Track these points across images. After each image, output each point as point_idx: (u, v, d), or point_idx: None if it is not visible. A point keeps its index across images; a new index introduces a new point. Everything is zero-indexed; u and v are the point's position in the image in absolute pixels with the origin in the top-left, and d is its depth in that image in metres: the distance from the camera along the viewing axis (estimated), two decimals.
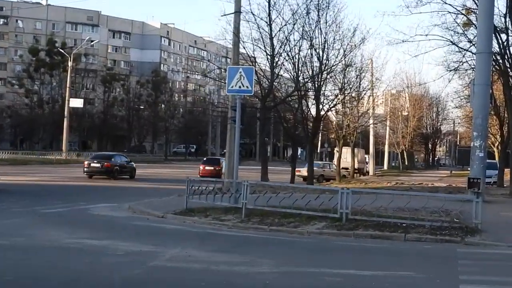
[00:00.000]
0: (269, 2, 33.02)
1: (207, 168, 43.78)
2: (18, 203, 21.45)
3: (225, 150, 35.57)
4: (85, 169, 39.54)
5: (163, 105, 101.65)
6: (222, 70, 38.16)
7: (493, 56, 28.00)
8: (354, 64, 39.49)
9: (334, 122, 52.20)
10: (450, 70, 33.53)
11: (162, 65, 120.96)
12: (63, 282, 9.49)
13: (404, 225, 15.93)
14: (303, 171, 48.49)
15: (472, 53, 29.79)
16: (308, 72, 35.10)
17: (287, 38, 33.34)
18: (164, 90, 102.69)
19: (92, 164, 39.67)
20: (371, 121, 55.55)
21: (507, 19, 29.67)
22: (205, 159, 49.15)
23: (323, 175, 48.25)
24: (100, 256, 11.65)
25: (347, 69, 38.91)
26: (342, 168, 50.49)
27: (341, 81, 39.58)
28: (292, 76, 35.47)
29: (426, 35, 32.59)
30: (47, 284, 9.38)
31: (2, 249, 12.28)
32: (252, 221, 17.20)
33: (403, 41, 29.82)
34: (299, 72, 34.47)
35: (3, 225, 15.90)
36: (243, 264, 11.21)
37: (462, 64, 33.40)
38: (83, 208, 20.83)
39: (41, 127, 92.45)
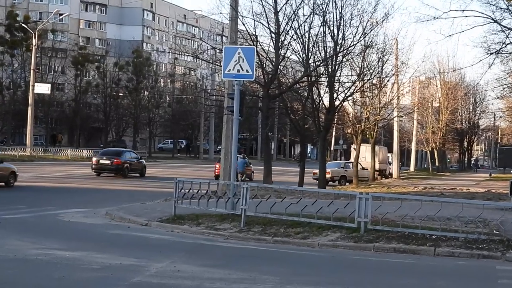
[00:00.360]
0: None
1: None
2: None
3: (220, 147, 35.50)
4: (93, 166, 43.19)
5: (146, 92, 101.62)
6: (217, 50, 38.22)
7: None
8: (375, 45, 39.63)
9: (351, 114, 52.32)
10: (490, 53, 33.46)
11: (144, 44, 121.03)
12: None
13: (434, 237, 16.04)
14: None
15: None
16: (320, 54, 35.18)
17: (295, 12, 33.42)
18: (148, 74, 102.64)
19: (101, 161, 43.10)
20: (395, 113, 55.61)
21: None
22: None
23: (345, 176, 48.54)
24: (72, 270, 11.77)
25: (367, 50, 39.00)
26: (362, 168, 50.76)
27: (360, 65, 39.68)
28: (301, 59, 35.54)
29: (463, 10, 32.47)
30: None
31: None
32: (253, 231, 17.34)
33: (434, 17, 29.77)
34: (310, 54, 34.53)
35: None
36: (242, 281, 11.33)
37: (505, 46, 33.37)
38: (51, 214, 20.97)
39: (0, 117, 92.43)
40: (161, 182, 37.98)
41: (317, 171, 44.39)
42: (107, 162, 42.91)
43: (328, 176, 49.47)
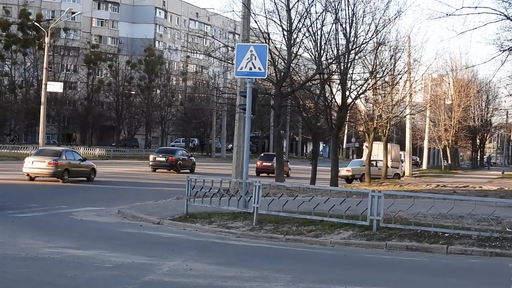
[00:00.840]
0: None
1: (264, 164, 51.76)
2: None
3: (231, 145, 35.37)
4: (151, 162, 49.17)
5: (158, 91, 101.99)
6: (229, 48, 38.23)
7: None
8: (387, 43, 39.48)
9: (363, 112, 52.19)
10: (503, 50, 33.32)
11: (157, 42, 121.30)
12: None
13: (446, 235, 16.00)
14: (345, 170, 49.30)
15: None
16: (332, 51, 35.10)
17: (308, 10, 33.33)
18: (160, 73, 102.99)
19: (158, 158, 49.09)
20: (407, 111, 55.48)
21: None
22: (262, 154, 58.67)
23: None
24: (84, 268, 11.79)
25: (379, 48, 38.88)
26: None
27: (372, 63, 39.58)
28: (313, 57, 35.45)
29: (475, 7, 32.63)
30: None
31: None
32: (265, 229, 17.34)
33: (447, 14, 29.67)
34: (322, 51, 34.45)
35: None
36: (254, 279, 11.33)
37: None
38: (64, 213, 21.03)
39: (12, 116, 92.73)
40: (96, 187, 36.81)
41: (340, 169, 45.77)
42: (163, 159, 48.96)
43: (349, 174, 49.76)
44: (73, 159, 35.72)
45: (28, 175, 34.17)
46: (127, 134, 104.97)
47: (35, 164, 34.02)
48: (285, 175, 43.34)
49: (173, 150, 53.49)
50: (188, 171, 49.22)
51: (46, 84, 68.80)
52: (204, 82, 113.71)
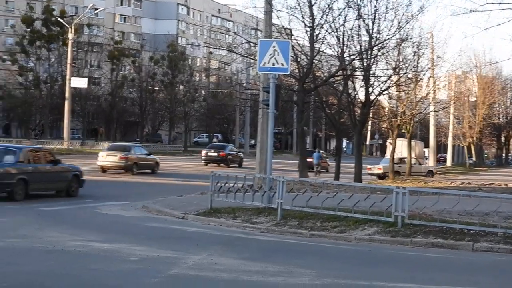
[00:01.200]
0: None
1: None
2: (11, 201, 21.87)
3: (254, 141, 35.30)
4: (203, 157, 53.97)
5: (181, 86, 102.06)
6: (252, 44, 38.23)
7: None
8: (410, 39, 39.25)
9: (387, 109, 51.97)
10: None
11: (179, 38, 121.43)
12: None
13: (472, 232, 15.91)
14: (376, 168, 49.51)
15: None
16: (355, 48, 35.03)
17: (330, 6, 33.26)
18: (183, 69, 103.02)
19: (209, 153, 54.10)
20: (431, 107, 55.18)
21: None
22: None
23: (398, 172, 48.53)
24: (110, 262, 11.89)
25: (403, 44, 38.70)
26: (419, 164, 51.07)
27: (395, 59, 39.41)
28: (336, 53, 35.42)
29: (499, 3, 32.10)
30: None
31: None
32: (289, 224, 17.34)
33: (470, 10, 29.39)
34: (345, 47, 34.40)
35: None
36: (279, 274, 11.34)
37: None
38: (89, 207, 21.19)
39: (37, 111, 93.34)
40: (163, 178, 37.89)
41: (371, 167, 48.85)
42: (214, 154, 53.90)
43: (380, 171, 49.65)
44: (140, 154, 40.48)
45: (101, 167, 38.48)
46: (150, 130, 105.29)
47: (108, 158, 38.65)
48: (324, 171, 50.53)
49: (223, 146, 58.83)
50: (237, 165, 53.67)
51: (70, 80, 69.39)
52: (227, 78, 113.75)
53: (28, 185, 22.10)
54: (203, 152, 55.08)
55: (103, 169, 38.33)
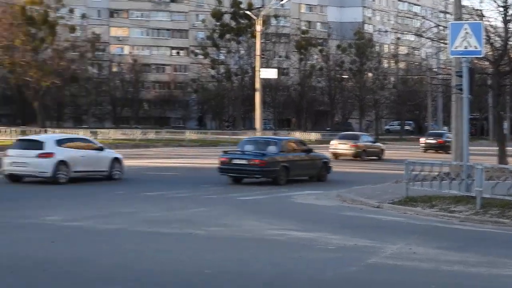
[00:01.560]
0: None
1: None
2: (212, 189, 22.81)
3: (446, 127, 34.38)
4: (421, 144, 56.59)
5: (370, 74, 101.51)
6: (441, 28, 37.27)
7: None
8: None
9: None
10: None
11: (365, 25, 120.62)
12: (267, 279, 10.03)
13: None
14: None
15: None
16: None
17: None
18: (371, 56, 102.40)
19: (427, 140, 56.68)
20: None
21: None
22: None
23: None
24: (308, 250, 12.14)
25: None
26: None
27: None
28: None
29: None
30: (252, 279, 9.97)
31: (198, 240, 13.27)
32: (490, 213, 16.82)
33: None
34: None
35: (197, 213, 17.08)
36: (481, 264, 11.09)
37: None
38: (284, 196, 21.60)
39: (230, 102, 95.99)
40: (391, 164, 37.94)
41: None
42: (433, 141, 55.88)
43: None
44: (367, 141, 44.66)
45: (334, 154, 41.32)
46: (341, 118, 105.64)
47: (339, 146, 42.66)
48: None
49: (440, 133, 59.85)
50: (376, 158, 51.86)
51: (259, 71, 70.90)
52: (416, 63, 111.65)
53: (289, 171, 25.24)
54: (421, 140, 58.21)
55: (335, 156, 41.30)
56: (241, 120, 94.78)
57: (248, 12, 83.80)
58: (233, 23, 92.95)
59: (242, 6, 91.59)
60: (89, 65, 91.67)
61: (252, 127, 77.89)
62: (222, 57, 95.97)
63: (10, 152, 24.04)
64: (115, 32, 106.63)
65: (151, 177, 27.62)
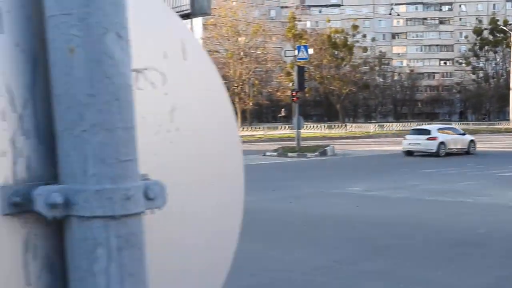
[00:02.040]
0: None
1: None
2: (475, 168, 21.74)
3: None
4: None
5: None
6: None
7: None
8: None
9: None
10: None
11: None
12: None
13: None
14: None
15: None
16: None
17: None
18: None
19: None
20: None
21: None
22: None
23: None
24: None
25: None
26: None
27: None
28: None
29: None
30: None
31: (466, 206, 12.78)
32: None
33: None
34: None
35: (465, 186, 16.40)
36: None
37: None
38: None
39: (486, 100, 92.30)
40: None
41: None
42: None
43: None
44: None
45: None
46: None
47: None
48: None
49: None
50: None
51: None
52: None
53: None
54: None
55: None
56: (496, 114, 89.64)
57: (503, 28, 78.69)
58: (490, 37, 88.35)
59: (498, 23, 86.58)
60: (377, 76, 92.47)
61: (505, 118, 73.07)
62: (481, 64, 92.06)
63: (408, 136, 28.30)
64: (396, 50, 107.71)
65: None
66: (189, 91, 1.15)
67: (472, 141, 29.13)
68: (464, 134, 29.75)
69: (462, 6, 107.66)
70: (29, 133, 0.92)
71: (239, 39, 65.11)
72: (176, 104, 1.12)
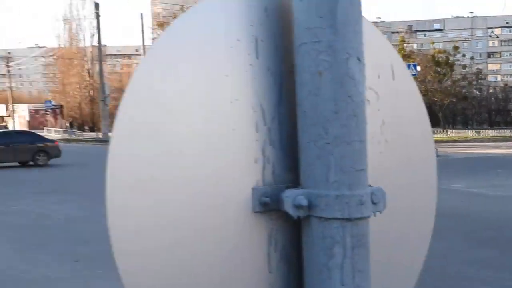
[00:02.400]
0: None
1: None
2: None
3: None
4: None
5: None
6: None
7: None
8: None
9: None
10: None
11: None
12: None
13: None
14: None
15: None
16: None
17: None
18: None
19: None
20: None
21: None
22: None
23: None
24: None
25: None
26: None
27: None
28: None
29: None
30: None
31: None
32: None
33: None
34: None
35: None
36: None
37: None
38: None
39: None
40: None
41: None
42: None
43: None
44: None
45: None
46: None
47: None
48: None
49: None
50: None
51: None
52: None
53: None
54: None
55: None
56: None
57: None
58: None
59: None
60: (474, 89, 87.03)
61: None
62: None
63: None
64: (491, 67, 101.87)
65: None
66: (396, 108, 1.08)
67: None
68: None
69: None
70: (275, 143, 0.91)
71: None
72: (385, 119, 1.05)
